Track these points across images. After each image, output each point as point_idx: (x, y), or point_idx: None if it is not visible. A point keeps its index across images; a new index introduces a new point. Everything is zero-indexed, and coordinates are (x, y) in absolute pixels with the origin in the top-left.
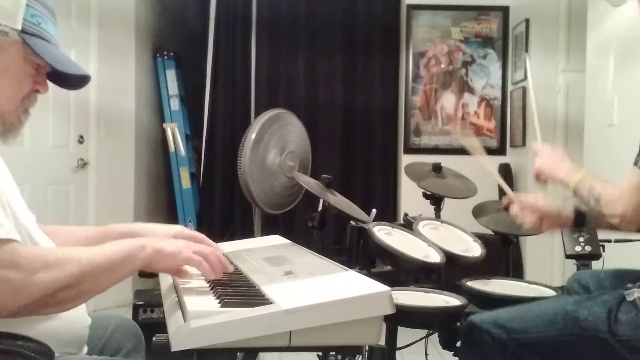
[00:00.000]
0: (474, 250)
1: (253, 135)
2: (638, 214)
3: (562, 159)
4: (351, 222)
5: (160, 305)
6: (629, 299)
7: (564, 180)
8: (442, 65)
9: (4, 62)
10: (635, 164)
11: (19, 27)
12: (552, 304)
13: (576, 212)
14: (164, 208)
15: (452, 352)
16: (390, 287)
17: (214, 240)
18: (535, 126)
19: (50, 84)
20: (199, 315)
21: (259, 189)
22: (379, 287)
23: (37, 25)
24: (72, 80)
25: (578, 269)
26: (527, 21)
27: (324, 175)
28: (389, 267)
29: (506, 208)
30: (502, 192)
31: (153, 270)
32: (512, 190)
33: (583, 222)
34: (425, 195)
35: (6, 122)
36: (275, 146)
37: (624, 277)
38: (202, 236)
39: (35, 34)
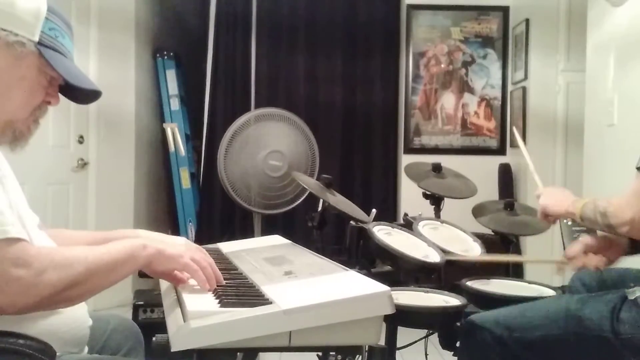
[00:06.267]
0: (474, 250)
1: (229, 134)
2: None
3: (564, 194)
4: (351, 222)
5: (160, 305)
6: (631, 297)
7: (569, 211)
8: (442, 65)
9: (19, 72)
10: (638, 169)
11: (36, 39)
12: (554, 302)
13: None
14: (164, 208)
15: (452, 352)
16: (390, 287)
17: (213, 241)
18: (536, 179)
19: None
20: (198, 316)
21: (236, 185)
22: (379, 287)
23: (54, 39)
24: (84, 95)
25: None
26: (527, 21)
27: (324, 175)
28: (389, 267)
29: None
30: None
31: (152, 271)
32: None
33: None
34: (425, 195)
35: (16, 131)
36: (252, 145)
37: (626, 276)
38: (203, 251)
39: (51, 47)
